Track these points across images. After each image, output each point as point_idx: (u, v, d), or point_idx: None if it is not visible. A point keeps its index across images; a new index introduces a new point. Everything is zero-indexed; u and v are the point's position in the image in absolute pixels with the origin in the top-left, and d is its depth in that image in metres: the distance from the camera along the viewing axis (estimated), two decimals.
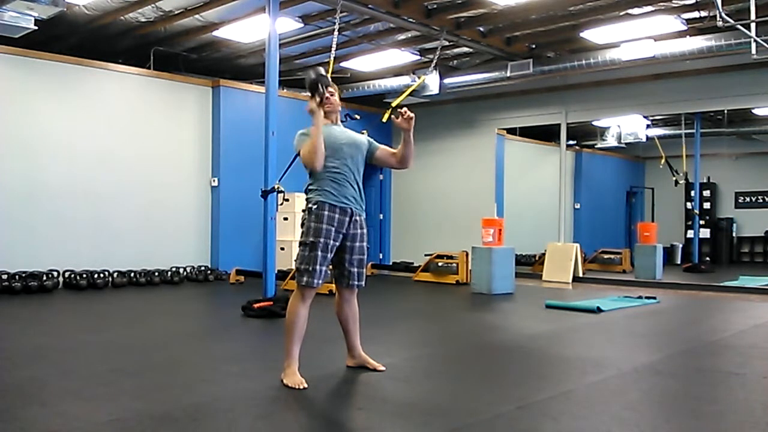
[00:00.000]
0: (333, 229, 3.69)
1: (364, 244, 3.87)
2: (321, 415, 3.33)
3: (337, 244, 3.74)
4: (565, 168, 11.10)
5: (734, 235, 15.01)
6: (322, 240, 3.66)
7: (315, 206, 3.70)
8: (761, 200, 14.79)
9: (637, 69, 9.35)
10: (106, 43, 9.41)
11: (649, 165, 15.67)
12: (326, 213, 3.68)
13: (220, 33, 8.74)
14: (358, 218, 3.80)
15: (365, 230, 3.88)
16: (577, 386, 3.78)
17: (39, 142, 8.42)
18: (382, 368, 3.97)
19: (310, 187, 3.78)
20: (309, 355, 3.98)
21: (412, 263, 11.02)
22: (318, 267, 3.66)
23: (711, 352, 4.93)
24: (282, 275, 8.02)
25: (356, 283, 3.89)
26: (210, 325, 6.45)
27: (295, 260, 3.78)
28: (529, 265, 11.69)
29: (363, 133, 4.01)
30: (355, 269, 3.85)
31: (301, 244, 3.74)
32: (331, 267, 3.88)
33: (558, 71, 9.31)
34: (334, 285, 3.97)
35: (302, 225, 3.77)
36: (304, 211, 3.80)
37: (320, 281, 3.69)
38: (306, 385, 3.55)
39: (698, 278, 10.57)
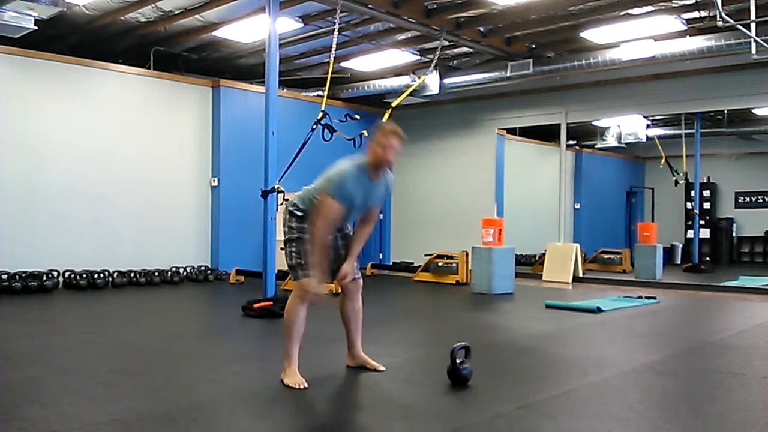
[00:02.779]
0: None
1: (348, 241, 3.89)
2: (321, 415, 3.33)
3: None
4: (565, 168, 11.10)
5: (734, 235, 15.01)
6: (308, 234, 3.67)
7: (300, 213, 3.71)
8: (761, 200, 14.79)
9: (637, 69, 9.36)
10: (106, 43, 9.41)
11: (649, 165, 15.67)
12: (307, 221, 3.70)
13: (220, 33, 8.74)
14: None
15: (347, 231, 3.92)
16: (577, 386, 3.78)
17: (39, 142, 8.42)
18: (382, 369, 3.97)
19: (301, 212, 3.73)
20: (309, 355, 3.98)
21: (412, 263, 11.03)
22: (311, 258, 3.65)
23: (711, 352, 4.93)
24: (282, 275, 8.02)
25: (353, 277, 3.88)
26: (210, 325, 6.45)
27: (287, 259, 3.75)
28: (529, 265, 11.69)
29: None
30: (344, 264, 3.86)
31: (287, 242, 3.72)
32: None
33: (558, 71, 9.31)
34: (334, 285, 3.98)
35: (284, 225, 3.77)
36: (284, 213, 3.82)
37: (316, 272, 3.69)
38: (306, 385, 3.54)
39: (698, 278, 10.57)
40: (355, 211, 3.77)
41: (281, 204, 6.62)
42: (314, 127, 6.48)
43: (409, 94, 9.36)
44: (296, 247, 3.67)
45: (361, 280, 3.96)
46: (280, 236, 4.05)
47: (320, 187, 3.66)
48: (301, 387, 3.53)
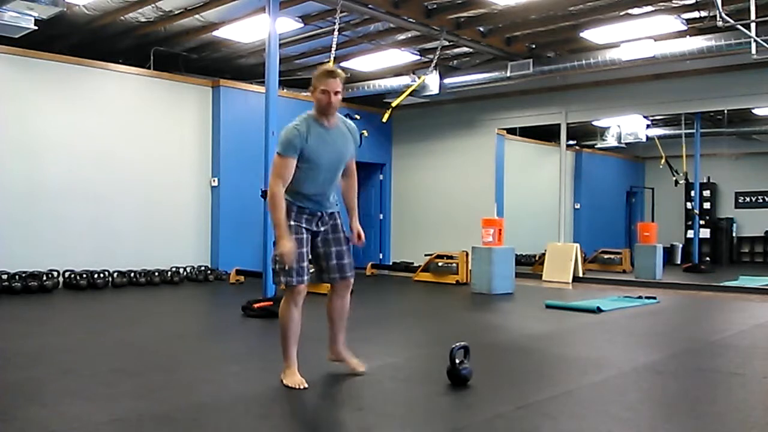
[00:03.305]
0: (302, 225, 3.66)
1: (340, 235, 3.80)
2: (321, 415, 3.33)
3: (309, 237, 3.68)
4: (565, 168, 11.10)
5: (734, 235, 15.00)
6: (293, 236, 3.59)
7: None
8: (761, 200, 14.79)
9: (637, 69, 9.35)
10: (106, 43, 9.41)
11: (649, 165, 15.67)
12: (294, 212, 3.63)
13: (220, 33, 8.74)
14: (325, 215, 3.75)
15: (338, 222, 3.82)
16: (577, 386, 3.78)
17: (39, 142, 8.42)
18: (362, 370, 3.89)
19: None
20: (308, 355, 3.98)
21: (412, 263, 11.02)
22: (294, 264, 3.56)
23: (711, 352, 4.93)
24: None
25: (344, 275, 3.81)
26: (210, 325, 6.45)
27: (272, 261, 3.67)
28: (529, 265, 11.69)
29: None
30: (335, 262, 3.77)
31: (273, 244, 3.62)
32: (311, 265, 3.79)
33: (558, 71, 9.30)
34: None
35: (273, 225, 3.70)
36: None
37: (302, 278, 3.60)
38: (306, 385, 3.54)
39: (698, 278, 10.57)
40: (324, 167, 3.63)
41: None
42: None
43: (409, 94, 9.37)
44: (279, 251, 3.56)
45: (351, 279, 3.88)
46: None
47: (279, 152, 3.60)
48: (301, 387, 3.53)
